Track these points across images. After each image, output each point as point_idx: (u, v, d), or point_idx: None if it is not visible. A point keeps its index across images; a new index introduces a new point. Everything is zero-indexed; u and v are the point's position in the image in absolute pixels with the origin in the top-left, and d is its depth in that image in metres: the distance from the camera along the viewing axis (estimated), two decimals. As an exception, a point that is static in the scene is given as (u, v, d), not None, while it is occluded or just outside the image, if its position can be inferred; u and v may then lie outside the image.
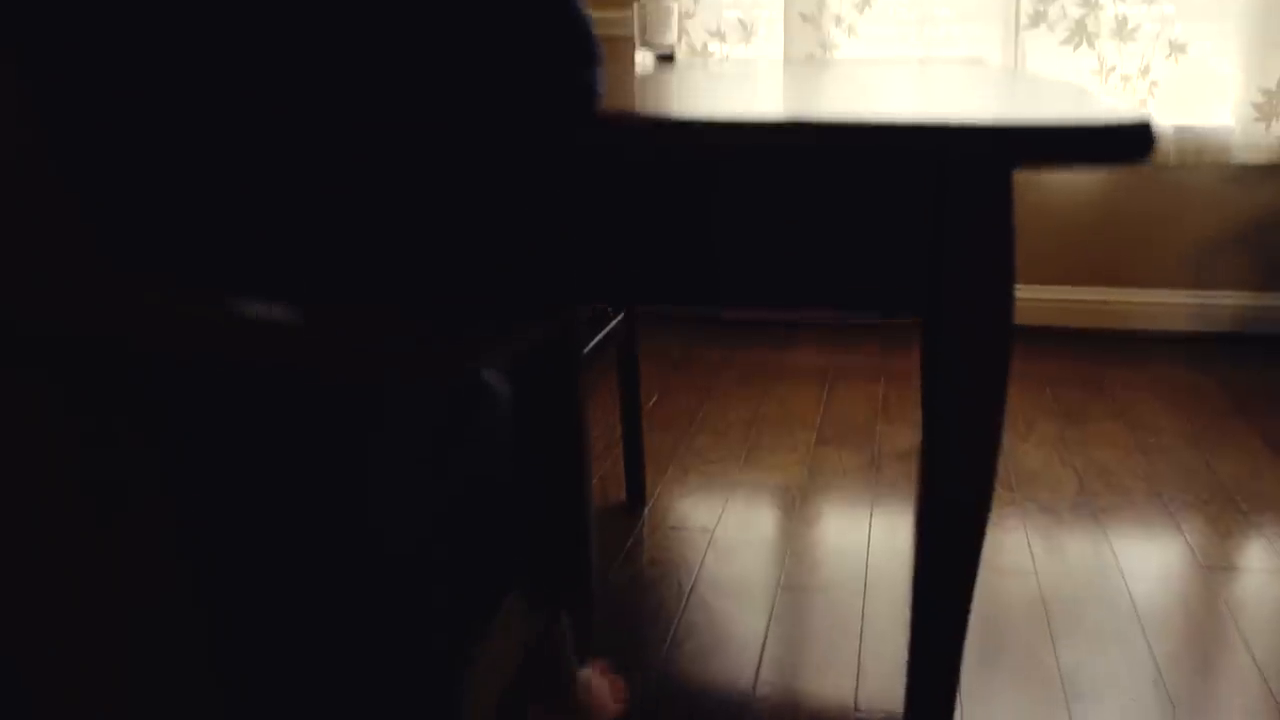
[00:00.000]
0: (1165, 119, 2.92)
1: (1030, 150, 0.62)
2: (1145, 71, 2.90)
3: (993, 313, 0.70)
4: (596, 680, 1.52)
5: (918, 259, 0.72)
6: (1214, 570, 1.79)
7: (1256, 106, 2.83)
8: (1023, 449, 2.30)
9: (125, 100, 0.62)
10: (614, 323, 1.83)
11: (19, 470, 0.65)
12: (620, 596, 1.75)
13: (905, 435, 2.40)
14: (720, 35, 3.13)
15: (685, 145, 0.71)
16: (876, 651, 1.59)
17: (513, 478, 1.00)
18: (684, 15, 3.10)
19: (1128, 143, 0.60)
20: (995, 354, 0.71)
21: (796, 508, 2.06)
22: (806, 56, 3.02)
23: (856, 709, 1.46)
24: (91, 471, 0.66)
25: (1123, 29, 2.88)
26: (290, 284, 0.69)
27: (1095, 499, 2.06)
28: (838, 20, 3.02)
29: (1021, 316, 3.11)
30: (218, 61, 0.63)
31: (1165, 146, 2.92)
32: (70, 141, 0.61)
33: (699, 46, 3.14)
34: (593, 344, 1.70)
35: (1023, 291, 3.15)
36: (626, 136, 0.72)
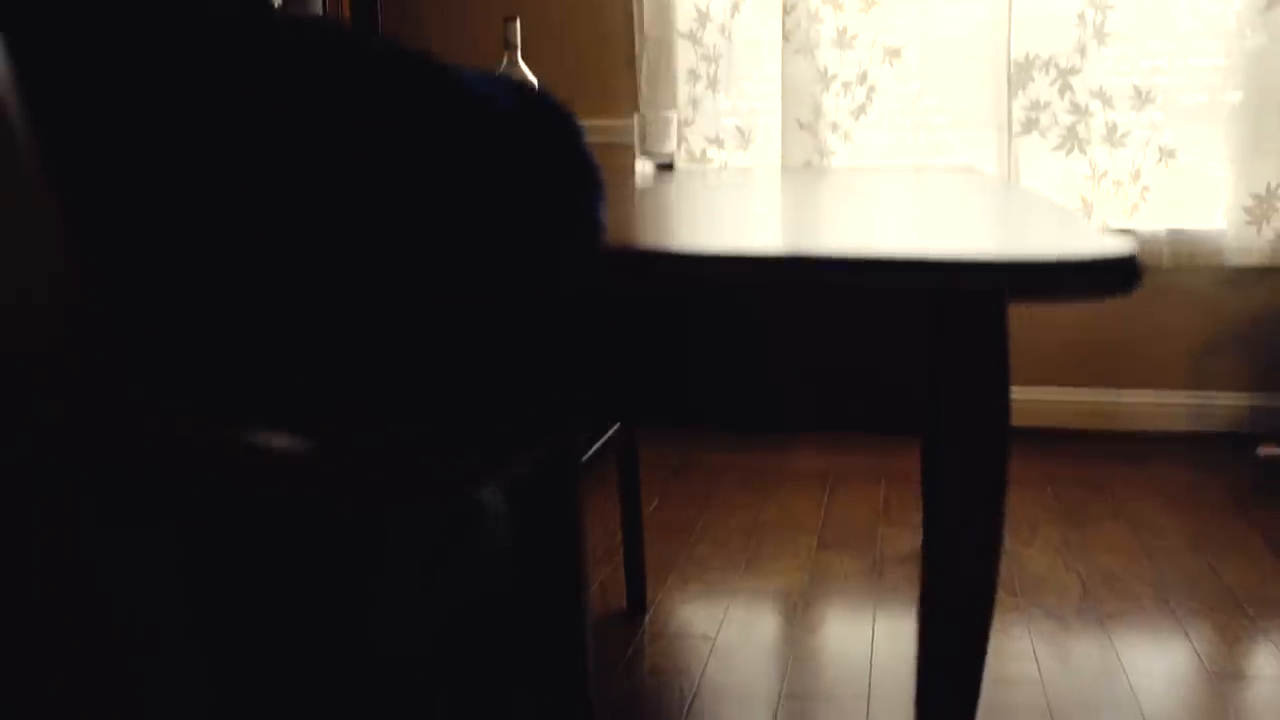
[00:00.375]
0: (1158, 223, 2.96)
1: (1025, 286, 0.64)
2: (1136, 176, 2.95)
3: (990, 432, 0.71)
4: None
5: (914, 382, 0.73)
6: (1222, 678, 1.77)
7: (1247, 210, 2.87)
8: (1026, 553, 2.29)
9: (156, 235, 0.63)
10: (613, 430, 1.84)
11: (34, 576, 0.65)
12: (621, 705, 1.72)
13: (907, 538, 2.38)
14: (719, 142, 3.19)
15: (684, 277, 0.73)
16: (882, 764, 1.56)
17: (511, 590, 1.00)
18: (683, 123, 3.16)
19: (1116, 276, 0.61)
20: (993, 471, 0.72)
21: (798, 614, 2.04)
22: (804, 163, 3.07)
23: (862, 825, 1.44)
24: (109, 589, 0.66)
25: (1113, 135, 2.94)
26: (297, 409, 0.70)
27: (1100, 605, 2.04)
28: (834, 127, 3.08)
29: (1022, 418, 3.15)
30: (235, 207, 0.64)
31: (1159, 249, 2.96)
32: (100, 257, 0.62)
33: (698, 153, 3.20)
34: (592, 451, 1.70)
35: (1023, 393, 3.16)
36: (626, 269, 0.73)
